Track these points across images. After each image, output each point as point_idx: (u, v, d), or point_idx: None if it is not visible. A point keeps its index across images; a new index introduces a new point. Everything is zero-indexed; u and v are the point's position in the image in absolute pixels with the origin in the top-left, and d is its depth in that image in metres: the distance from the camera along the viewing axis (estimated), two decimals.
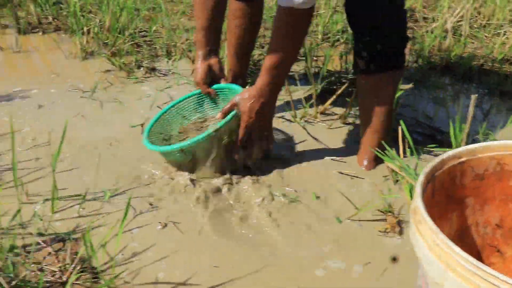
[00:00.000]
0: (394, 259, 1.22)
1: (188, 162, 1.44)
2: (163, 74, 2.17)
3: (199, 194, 1.39)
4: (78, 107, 1.90)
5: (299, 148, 1.67)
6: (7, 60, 2.39)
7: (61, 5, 3.05)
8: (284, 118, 1.84)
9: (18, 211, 1.19)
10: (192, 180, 1.45)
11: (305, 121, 1.82)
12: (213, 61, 1.58)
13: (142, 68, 2.22)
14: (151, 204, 1.38)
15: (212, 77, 1.59)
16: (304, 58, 2.18)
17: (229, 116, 1.39)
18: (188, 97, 1.65)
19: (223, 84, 1.60)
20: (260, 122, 1.40)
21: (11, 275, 1.06)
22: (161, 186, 1.45)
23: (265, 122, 1.43)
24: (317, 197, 1.42)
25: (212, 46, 1.57)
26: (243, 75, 1.95)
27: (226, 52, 1.91)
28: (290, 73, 2.15)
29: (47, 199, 1.40)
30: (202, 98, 1.65)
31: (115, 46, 2.36)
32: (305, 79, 2.15)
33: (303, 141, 1.71)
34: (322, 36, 2.54)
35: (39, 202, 1.39)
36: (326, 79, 1.98)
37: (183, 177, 1.45)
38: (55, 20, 2.92)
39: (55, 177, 1.32)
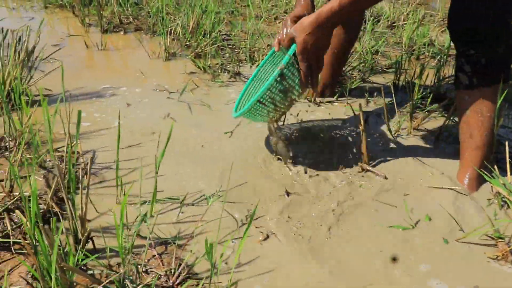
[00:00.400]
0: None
1: (278, 115, 1.43)
2: (247, 79, 2.15)
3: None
4: (166, 107, 1.90)
5: (395, 163, 1.60)
6: (93, 58, 2.44)
7: (141, 6, 3.10)
8: (375, 131, 1.77)
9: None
10: (288, 193, 1.41)
11: (398, 135, 1.75)
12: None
13: (226, 72, 2.20)
14: (250, 214, 1.35)
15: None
16: (393, 70, 2.11)
17: (291, 51, 1.33)
18: (263, 65, 1.62)
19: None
20: (317, 53, 1.32)
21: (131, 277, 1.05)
22: (262, 192, 1.42)
23: (320, 53, 1.34)
24: (429, 219, 1.35)
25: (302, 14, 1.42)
26: (333, 85, 1.90)
27: None
28: (383, 84, 2.09)
29: (145, 201, 1.39)
30: (276, 60, 1.59)
31: (198, 49, 2.35)
32: (397, 92, 2.08)
33: (398, 156, 1.64)
34: (406, 48, 2.46)
35: (137, 204, 1.38)
36: (419, 94, 1.90)
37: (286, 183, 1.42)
38: (135, 20, 2.96)
39: (156, 180, 1.30)
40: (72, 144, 1.61)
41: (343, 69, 2.10)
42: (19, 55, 1.90)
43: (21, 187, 1.21)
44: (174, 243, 1.22)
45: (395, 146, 1.69)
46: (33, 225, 1.02)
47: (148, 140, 1.69)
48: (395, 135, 1.73)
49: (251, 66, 2.26)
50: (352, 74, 2.14)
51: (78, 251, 1.14)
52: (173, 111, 1.87)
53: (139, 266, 1.13)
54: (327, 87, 1.89)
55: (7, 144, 1.66)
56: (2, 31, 1.90)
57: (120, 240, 1.06)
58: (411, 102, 1.78)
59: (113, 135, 1.72)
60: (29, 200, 1.35)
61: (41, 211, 1.28)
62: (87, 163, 1.56)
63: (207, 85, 2.09)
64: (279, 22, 2.97)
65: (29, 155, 1.55)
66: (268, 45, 2.49)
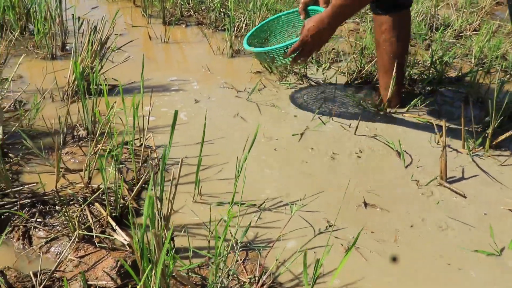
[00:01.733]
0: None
1: (275, 63, 1.76)
2: (315, 82, 2.11)
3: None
4: (235, 106, 1.88)
5: (472, 181, 1.54)
6: (157, 50, 2.44)
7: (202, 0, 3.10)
8: (450, 148, 1.71)
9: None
10: (365, 204, 1.37)
11: (475, 153, 1.69)
12: None
13: (293, 73, 2.17)
14: (329, 224, 1.31)
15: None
16: (462, 82, 2.04)
17: (296, 38, 1.68)
18: (285, 14, 1.94)
19: (318, 7, 1.77)
20: (312, 43, 1.63)
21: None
22: (339, 201, 1.38)
23: (315, 44, 1.65)
24: None
25: None
26: (398, 94, 1.85)
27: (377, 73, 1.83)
28: (452, 97, 2.02)
29: (221, 202, 1.37)
30: (296, 16, 1.92)
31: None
32: (467, 106, 2.00)
33: (474, 175, 1.58)
34: (476, 60, 2.37)
35: (213, 204, 1.37)
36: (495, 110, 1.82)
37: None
38: (195, 13, 2.96)
39: (237, 181, 1.29)
40: (147, 138, 1.61)
41: (408, 78, 2.05)
42: (92, 45, 1.91)
43: (105, 181, 1.21)
44: (258, 251, 1.19)
45: (471, 164, 1.62)
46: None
47: (218, 138, 1.67)
48: (472, 152, 1.67)
49: (317, 69, 2.22)
50: (420, 84, 2.07)
51: (163, 250, 1.13)
52: (242, 110, 1.85)
53: (223, 271, 1.11)
54: (393, 96, 1.84)
55: (80, 133, 1.67)
56: (79, 20, 1.91)
57: (205, 242, 1.04)
58: (488, 119, 1.71)
59: (183, 131, 1.72)
60: (103, 193, 1.35)
61: (120, 205, 1.28)
62: (160, 158, 1.55)
63: (274, 86, 2.07)
64: None
65: (102, 146, 1.55)
66: (333, 48, 2.44)
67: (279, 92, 2.01)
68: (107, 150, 1.44)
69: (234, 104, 1.90)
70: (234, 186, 1.29)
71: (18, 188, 1.32)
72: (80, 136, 1.65)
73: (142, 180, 1.36)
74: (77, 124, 1.70)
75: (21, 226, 1.22)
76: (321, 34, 1.61)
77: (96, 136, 1.59)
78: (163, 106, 1.88)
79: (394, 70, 1.78)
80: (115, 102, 1.65)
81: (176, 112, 1.06)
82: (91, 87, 1.64)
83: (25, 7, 2.51)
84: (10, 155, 1.52)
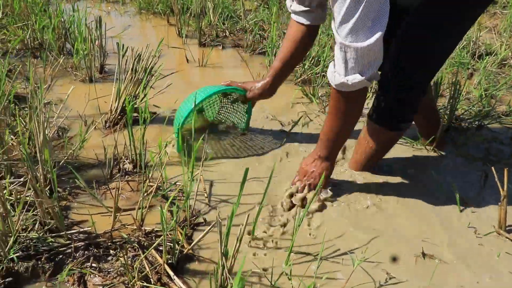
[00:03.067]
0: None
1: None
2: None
3: None
4: (279, 139, 1.85)
5: None
6: (195, 74, 2.42)
7: (235, 20, 3.07)
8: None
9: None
10: (424, 255, 1.33)
11: None
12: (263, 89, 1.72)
13: None
14: (389, 276, 1.27)
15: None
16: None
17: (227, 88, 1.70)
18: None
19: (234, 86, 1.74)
20: (314, 180, 1.51)
21: None
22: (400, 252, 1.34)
23: (318, 175, 1.51)
24: None
25: (272, 81, 1.71)
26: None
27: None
28: (502, 134, 1.97)
29: (276, 248, 1.33)
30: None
31: (305, 75, 2.30)
32: None
33: None
34: None
35: (268, 249, 1.33)
36: None
37: None
38: (231, 34, 2.93)
39: (296, 229, 1.25)
40: (195, 175, 1.57)
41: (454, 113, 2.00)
42: (135, 73, 1.89)
43: (165, 231, 1.18)
44: None
45: None
46: None
47: (265, 173, 1.64)
48: None
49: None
50: (468, 120, 2.02)
51: None
52: (292, 150, 1.81)
53: None
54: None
55: (125, 166, 1.64)
56: (123, 47, 1.89)
57: None
58: None
59: (231, 164, 1.68)
60: (158, 236, 1.32)
61: (176, 251, 1.25)
62: (208, 195, 1.52)
63: (318, 116, 2.02)
64: None
65: (150, 182, 1.52)
66: None
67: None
68: (154, 186, 1.41)
69: (279, 137, 1.86)
70: (293, 234, 1.25)
71: (73, 232, 1.29)
72: (126, 169, 1.63)
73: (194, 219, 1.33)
74: (123, 156, 1.67)
75: (76, 271, 1.20)
76: (317, 169, 1.52)
77: (144, 169, 1.56)
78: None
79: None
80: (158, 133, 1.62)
81: (246, 170, 1.03)
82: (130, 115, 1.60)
83: (64, 27, 2.50)
84: (58, 189, 1.50)
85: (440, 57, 1.48)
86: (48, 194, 1.28)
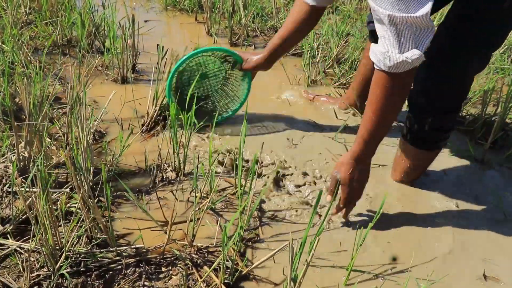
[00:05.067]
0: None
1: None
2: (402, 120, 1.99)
3: None
4: (323, 145, 1.78)
5: None
6: None
7: (265, 18, 2.99)
8: None
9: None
10: None
11: None
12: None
13: None
14: None
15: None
16: None
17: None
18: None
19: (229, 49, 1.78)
20: (358, 188, 1.36)
21: None
22: None
23: (362, 187, 1.37)
24: None
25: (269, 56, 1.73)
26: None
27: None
28: None
29: (332, 266, 1.27)
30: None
31: (342, 79, 2.23)
32: None
33: None
34: None
35: (324, 268, 1.26)
36: None
37: None
38: (261, 34, 2.86)
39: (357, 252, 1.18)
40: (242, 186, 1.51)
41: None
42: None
43: (225, 252, 1.11)
44: None
45: None
46: None
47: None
48: None
49: None
50: None
51: None
52: (333, 151, 1.74)
53: None
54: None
55: (168, 174, 1.58)
56: (163, 49, 1.82)
57: None
58: None
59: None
60: (210, 252, 1.26)
61: (230, 270, 1.18)
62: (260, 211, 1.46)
63: (358, 122, 1.94)
64: None
65: (197, 192, 1.46)
66: None
67: None
68: (207, 201, 1.35)
69: (323, 142, 1.79)
70: (353, 254, 1.18)
71: (123, 248, 1.23)
72: (170, 178, 1.56)
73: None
74: (164, 163, 1.61)
75: None
76: (361, 173, 1.36)
77: (189, 177, 1.50)
78: (250, 146, 1.77)
79: None
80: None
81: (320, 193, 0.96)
82: (174, 118, 1.54)
83: (94, 24, 2.44)
84: (101, 198, 1.44)
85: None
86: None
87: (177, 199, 1.48)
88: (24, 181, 1.40)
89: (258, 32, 2.86)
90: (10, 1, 2.51)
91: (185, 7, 3.18)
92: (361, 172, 1.34)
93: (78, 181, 1.11)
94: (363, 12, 3.13)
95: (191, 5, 3.15)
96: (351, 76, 2.22)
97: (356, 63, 2.30)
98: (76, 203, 1.37)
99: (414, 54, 1.12)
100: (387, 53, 1.15)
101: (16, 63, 1.99)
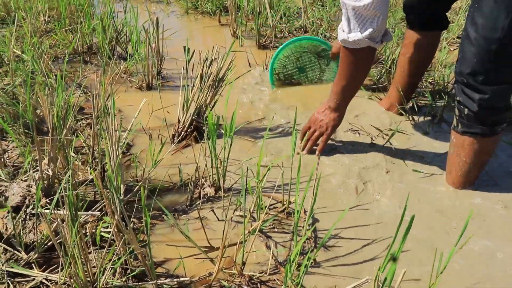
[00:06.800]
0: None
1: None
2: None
3: None
4: (370, 155, 1.61)
5: None
6: (262, 79, 2.18)
7: (292, 17, 2.83)
8: None
9: None
10: None
11: None
12: None
13: (426, 115, 1.87)
14: None
15: None
16: None
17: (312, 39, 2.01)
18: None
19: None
20: (321, 127, 1.58)
21: None
22: None
23: (324, 128, 1.58)
24: None
25: None
26: (400, 103, 1.82)
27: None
28: None
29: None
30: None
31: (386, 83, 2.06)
32: None
33: None
34: None
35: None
36: None
37: None
38: (290, 35, 2.70)
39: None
40: (289, 202, 1.34)
41: None
42: (206, 80, 1.67)
43: (287, 280, 0.95)
44: None
45: None
46: None
47: (371, 195, 1.40)
48: None
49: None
50: None
51: None
52: (383, 162, 1.57)
53: None
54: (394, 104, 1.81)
55: (206, 190, 1.42)
56: (189, 51, 1.66)
57: None
58: None
59: (331, 193, 1.44)
60: (262, 282, 1.09)
61: None
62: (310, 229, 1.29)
63: (412, 134, 1.76)
64: None
65: (240, 211, 1.30)
66: None
67: (420, 141, 1.71)
68: (258, 224, 1.19)
69: (366, 151, 1.62)
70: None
71: (165, 281, 1.07)
72: (208, 195, 1.40)
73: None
74: (202, 178, 1.45)
75: None
76: (324, 118, 1.59)
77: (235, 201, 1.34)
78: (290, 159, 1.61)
79: None
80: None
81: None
82: (213, 127, 1.37)
83: (116, 30, 2.30)
84: (133, 220, 1.29)
85: None
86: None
87: (218, 219, 1.32)
88: (49, 202, 1.25)
89: (286, 33, 2.69)
90: (29, 10, 2.39)
91: (207, 10, 3.03)
92: (330, 114, 1.57)
93: (113, 207, 0.95)
94: (393, 8, 2.95)
95: (213, 8, 3.01)
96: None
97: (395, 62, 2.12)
98: (107, 226, 1.22)
99: (356, 36, 1.34)
100: (340, 29, 1.40)
101: (36, 72, 1.86)
